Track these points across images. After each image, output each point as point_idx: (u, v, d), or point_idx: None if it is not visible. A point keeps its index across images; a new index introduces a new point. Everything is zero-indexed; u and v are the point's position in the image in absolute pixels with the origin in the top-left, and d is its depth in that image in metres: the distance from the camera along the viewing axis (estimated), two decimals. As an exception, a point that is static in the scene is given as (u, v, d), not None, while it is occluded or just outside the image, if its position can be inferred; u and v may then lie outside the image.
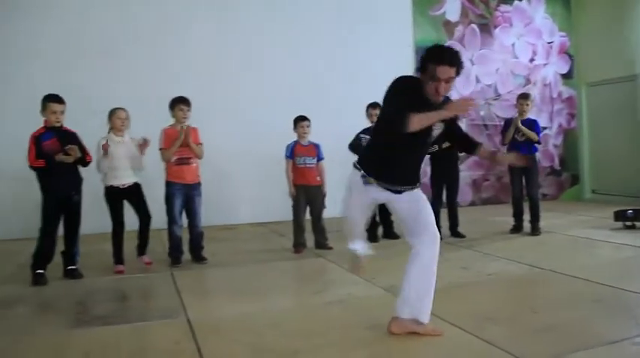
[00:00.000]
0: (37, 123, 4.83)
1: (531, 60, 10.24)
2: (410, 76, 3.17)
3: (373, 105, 6.38)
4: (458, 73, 3.05)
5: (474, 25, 9.74)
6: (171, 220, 5.36)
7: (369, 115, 6.44)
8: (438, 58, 2.96)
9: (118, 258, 5.23)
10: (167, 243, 5.44)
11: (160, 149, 5.34)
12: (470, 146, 3.48)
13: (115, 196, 5.20)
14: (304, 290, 4.50)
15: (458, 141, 3.56)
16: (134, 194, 5.26)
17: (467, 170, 9.66)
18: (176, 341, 3.21)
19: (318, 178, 6.07)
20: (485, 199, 9.80)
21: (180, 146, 5.29)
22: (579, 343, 3.02)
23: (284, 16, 8.44)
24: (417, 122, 2.93)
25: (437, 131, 3.21)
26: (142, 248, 5.39)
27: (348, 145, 6.47)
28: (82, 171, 5.03)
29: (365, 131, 6.41)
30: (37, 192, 4.82)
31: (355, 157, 6.17)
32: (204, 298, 4.31)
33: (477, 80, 9.70)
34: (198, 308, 3.87)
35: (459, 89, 9.48)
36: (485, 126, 9.74)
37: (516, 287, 4.37)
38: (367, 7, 8.95)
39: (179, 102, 5.36)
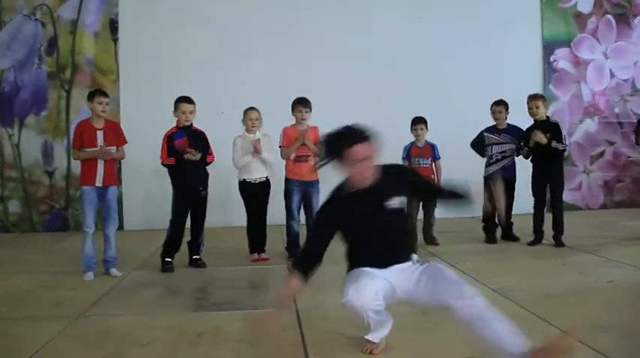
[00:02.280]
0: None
1: (676, 51, 9.36)
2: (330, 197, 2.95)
3: (497, 103, 6.26)
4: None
5: (609, 16, 9.08)
6: (290, 215, 5.59)
7: (492, 112, 6.32)
8: (349, 141, 2.69)
9: (254, 246, 5.59)
10: (285, 238, 5.67)
11: (280, 147, 5.60)
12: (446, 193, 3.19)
13: (248, 190, 5.54)
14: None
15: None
16: (264, 189, 5.58)
17: (598, 170, 9.06)
18: (283, 329, 3.37)
19: (433, 176, 6.10)
20: (618, 202, 9.10)
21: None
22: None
23: (411, 17, 8.40)
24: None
25: (393, 205, 2.89)
26: (261, 245, 5.63)
27: (470, 143, 6.41)
28: (223, 168, 5.54)
29: (489, 129, 6.31)
30: (168, 187, 5.28)
31: (477, 156, 6.23)
32: (315, 291, 4.39)
33: (612, 74, 9.02)
34: (308, 300, 3.99)
35: (591, 85, 8.94)
36: (620, 123, 9.06)
37: (636, 296, 4.06)
38: (492, 4, 8.66)
39: (298, 104, 5.59)
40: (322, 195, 5.60)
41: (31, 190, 8.02)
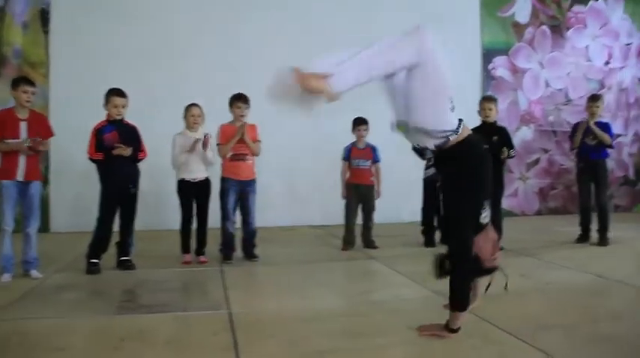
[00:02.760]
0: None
1: (606, 63, 9.66)
2: None
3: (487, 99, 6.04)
4: None
5: (544, 27, 9.31)
6: (225, 216, 5.34)
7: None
8: None
9: (186, 247, 5.31)
10: (220, 239, 5.43)
11: (218, 144, 5.36)
12: None
13: (186, 190, 5.28)
14: (350, 290, 4.36)
15: None
16: (203, 189, 5.32)
17: (533, 178, 9.23)
18: (214, 332, 3.15)
19: (372, 178, 6.03)
20: (552, 209, 9.31)
21: (238, 142, 5.27)
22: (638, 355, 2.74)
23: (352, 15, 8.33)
24: None
25: None
26: (200, 248, 5.36)
27: (411, 146, 6.33)
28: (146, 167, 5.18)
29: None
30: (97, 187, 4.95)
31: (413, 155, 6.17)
32: (249, 293, 4.26)
33: (547, 84, 9.24)
34: (241, 303, 3.81)
35: (527, 93, 9.12)
36: (554, 132, 9.27)
37: (577, 297, 4.05)
38: (433, 7, 8.67)
39: (236, 100, 5.36)
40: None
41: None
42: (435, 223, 6.22)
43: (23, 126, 4.57)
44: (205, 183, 5.35)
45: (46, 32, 7.64)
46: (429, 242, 6.17)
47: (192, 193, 5.30)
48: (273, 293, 4.25)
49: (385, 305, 3.79)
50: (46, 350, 2.89)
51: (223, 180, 5.36)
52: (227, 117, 5.41)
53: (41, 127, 4.72)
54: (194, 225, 5.37)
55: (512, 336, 3.02)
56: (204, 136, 5.24)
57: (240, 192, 5.35)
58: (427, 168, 6.24)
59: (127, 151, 4.84)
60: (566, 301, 3.91)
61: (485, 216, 2.90)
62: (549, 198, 9.34)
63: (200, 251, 5.35)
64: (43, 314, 3.58)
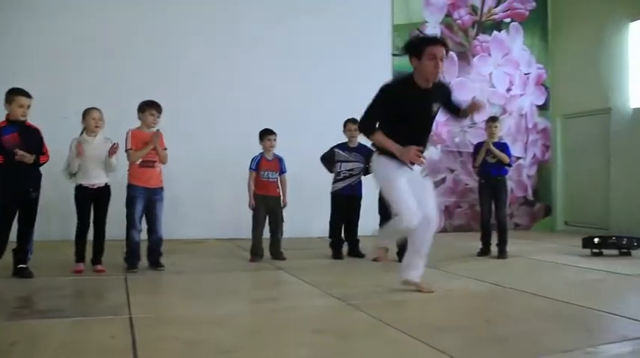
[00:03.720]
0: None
1: (508, 90, 10.30)
2: (395, 81, 4.14)
3: (352, 121, 6.27)
4: (447, 53, 3.91)
5: (452, 53, 9.79)
6: (131, 224, 5.22)
7: (346, 131, 6.39)
8: (432, 40, 3.95)
9: (80, 256, 5.08)
10: (125, 248, 5.28)
11: (127, 150, 5.23)
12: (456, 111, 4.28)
13: (83, 196, 5.09)
14: (257, 297, 4.36)
15: (450, 111, 4.30)
16: (102, 195, 5.14)
17: (439, 196, 9.60)
18: (112, 335, 3.06)
19: (278, 190, 6.11)
20: (456, 226, 9.72)
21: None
22: (531, 353, 2.92)
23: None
24: (375, 140, 4.04)
25: (435, 108, 4.06)
26: (97, 256, 5.17)
27: (320, 157, 6.44)
28: (52, 175, 5.03)
29: (340, 146, 6.39)
30: None
31: (324, 170, 6.29)
32: (152, 299, 4.16)
33: (454, 107, 9.71)
34: (144, 307, 3.72)
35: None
36: (460, 152, 9.73)
37: (474, 302, 4.27)
38: (345, 33, 8.93)
39: (151, 107, 5.29)
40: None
41: None
42: (343, 236, 6.35)
43: None
44: (105, 190, 5.18)
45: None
46: (337, 255, 6.27)
47: (91, 200, 5.12)
48: (178, 299, 4.18)
49: (290, 310, 3.82)
50: None
51: (130, 187, 5.24)
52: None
53: None
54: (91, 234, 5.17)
55: (410, 337, 3.12)
56: (113, 144, 5.09)
57: (147, 199, 5.25)
58: (335, 181, 6.37)
59: (29, 159, 4.64)
60: (463, 306, 4.10)
61: None
62: (454, 215, 9.75)
63: (97, 259, 5.15)
64: None
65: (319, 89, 8.58)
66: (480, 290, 4.60)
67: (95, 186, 5.10)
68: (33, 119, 4.87)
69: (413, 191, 3.96)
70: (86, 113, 5.13)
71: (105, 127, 5.24)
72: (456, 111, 4.31)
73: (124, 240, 5.26)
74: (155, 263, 5.28)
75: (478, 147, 6.74)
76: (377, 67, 8.85)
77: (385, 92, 3.95)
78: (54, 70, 7.28)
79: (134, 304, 3.78)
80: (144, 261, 5.29)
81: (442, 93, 4.15)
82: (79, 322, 3.35)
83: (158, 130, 5.29)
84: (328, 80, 8.65)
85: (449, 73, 9.69)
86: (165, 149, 5.36)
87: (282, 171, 6.15)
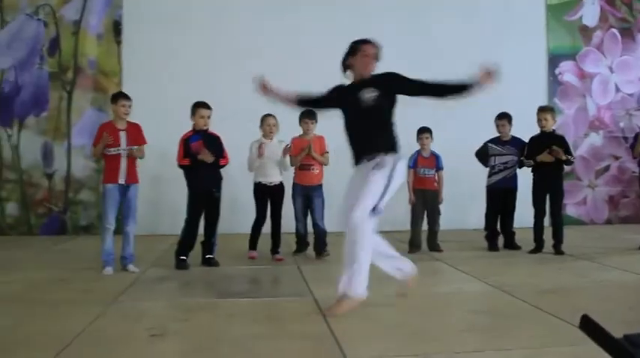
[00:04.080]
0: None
1: (681, 67, 10.35)
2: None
3: (500, 116, 7.18)
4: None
5: (614, 30, 10.06)
6: (296, 218, 6.65)
7: (496, 126, 7.25)
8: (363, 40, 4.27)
9: (254, 244, 6.51)
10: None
11: (290, 156, 6.59)
12: (444, 89, 4.34)
13: (261, 193, 6.50)
14: (418, 283, 5.31)
15: (422, 93, 4.32)
16: (278, 193, 6.54)
17: (603, 185, 9.97)
18: (306, 312, 4.19)
19: (436, 184, 7.08)
20: (623, 218, 10.01)
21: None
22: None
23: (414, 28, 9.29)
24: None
25: (368, 96, 4.16)
26: (275, 248, 6.53)
27: (475, 152, 7.35)
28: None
29: (492, 140, 7.25)
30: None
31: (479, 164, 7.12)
32: (327, 284, 5.24)
33: (617, 89, 9.99)
34: (323, 291, 4.81)
35: (596, 98, 9.87)
36: (625, 138, 9.97)
37: (623, 292, 4.91)
38: (497, 13, 9.55)
39: (304, 116, 6.55)
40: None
41: (30, 192, 8.78)
42: (499, 228, 7.17)
43: (122, 136, 5.76)
44: (279, 187, 6.52)
45: (118, 42, 8.93)
46: (492, 246, 7.11)
47: (267, 195, 6.48)
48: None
49: (449, 294, 4.79)
50: (172, 320, 4.00)
51: (294, 185, 6.65)
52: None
53: (138, 136, 5.89)
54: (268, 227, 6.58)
55: (558, 318, 3.93)
56: (285, 146, 6.44)
57: (306, 196, 6.60)
58: (490, 175, 7.19)
59: (209, 158, 5.96)
60: (612, 295, 4.78)
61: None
62: (620, 206, 10.06)
63: (275, 250, 6.51)
64: (152, 297, 4.73)
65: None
66: (633, 281, 5.27)
67: (272, 184, 6.52)
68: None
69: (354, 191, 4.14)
70: (263, 119, 6.52)
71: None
72: (442, 88, 4.33)
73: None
74: (319, 252, 6.59)
75: (637, 136, 7.20)
76: (528, 52, 9.45)
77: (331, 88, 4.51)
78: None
79: (313, 289, 4.92)
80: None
81: (381, 82, 4.24)
82: (273, 302, 4.55)
83: (313, 137, 6.63)
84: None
85: (611, 52, 9.99)
86: (327, 152, 6.67)
87: (438, 167, 7.11)
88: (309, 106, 5.10)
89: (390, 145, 4.18)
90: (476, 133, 7.54)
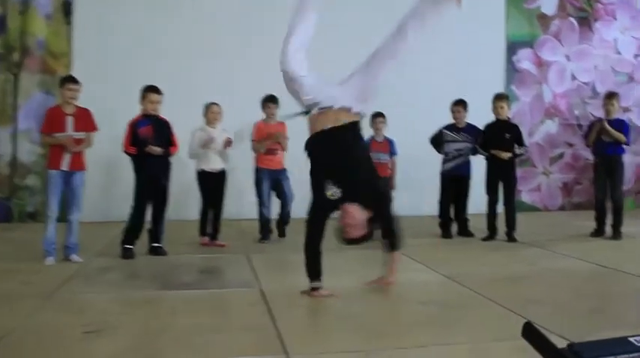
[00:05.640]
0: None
1: (636, 56, 10.42)
2: None
3: (456, 103, 7.12)
4: None
5: (572, 19, 10.09)
6: (260, 202, 6.62)
7: (452, 112, 7.16)
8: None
9: (204, 230, 6.45)
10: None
11: (252, 141, 6.58)
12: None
13: (205, 179, 6.40)
14: (370, 274, 5.19)
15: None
16: (220, 180, 6.44)
17: (557, 172, 10.03)
18: (251, 303, 4.07)
19: (389, 171, 7.02)
20: (576, 204, 10.10)
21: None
22: (619, 324, 3.59)
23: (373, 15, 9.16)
24: None
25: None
26: (215, 233, 6.47)
27: (429, 139, 7.26)
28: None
29: (448, 127, 7.17)
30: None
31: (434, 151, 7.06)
32: (276, 275, 5.18)
33: (573, 77, 10.03)
34: (271, 282, 4.71)
35: (552, 86, 9.91)
36: (579, 126, 10.03)
37: (573, 281, 4.91)
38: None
39: (268, 101, 6.55)
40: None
41: (-29, 178, 8.38)
42: (452, 216, 7.13)
43: (69, 121, 5.52)
44: (222, 174, 6.45)
45: (68, 23, 8.58)
46: (446, 234, 7.07)
47: (211, 182, 6.39)
48: (298, 274, 5.07)
49: (399, 286, 4.65)
50: (112, 314, 3.84)
51: (258, 169, 6.60)
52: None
53: (87, 122, 5.66)
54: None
55: (505, 308, 3.90)
56: (226, 138, 6.34)
57: (273, 180, 6.60)
58: (444, 162, 7.13)
59: (157, 151, 5.76)
60: (562, 284, 4.79)
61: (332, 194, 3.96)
62: (573, 193, 10.15)
63: (215, 235, 6.46)
64: (93, 289, 4.55)
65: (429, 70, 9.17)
66: (583, 270, 5.29)
67: (215, 171, 6.40)
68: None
69: None
70: (207, 107, 6.42)
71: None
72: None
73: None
74: (281, 233, 6.74)
75: (591, 126, 7.23)
76: (487, 40, 9.43)
77: None
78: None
79: (261, 279, 4.81)
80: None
81: None
82: (219, 293, 4.44)
83: (279, 134, 6.56)
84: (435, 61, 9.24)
85: (568, 40, 10.02)
86: (287, 138, 6.59)
87: (392, 152, 7.02)
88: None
89: None
90: (431, 119, 7.44)
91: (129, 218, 5.84)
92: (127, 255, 5.72)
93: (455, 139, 7.11)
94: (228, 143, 6.35)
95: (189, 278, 4.97)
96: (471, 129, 7.08)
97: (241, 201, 7.76)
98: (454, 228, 7.18)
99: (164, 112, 6.03)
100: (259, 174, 6.60)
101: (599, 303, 4.12)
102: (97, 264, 5.49)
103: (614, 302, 4.21)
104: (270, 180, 6.60)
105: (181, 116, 6.38)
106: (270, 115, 6.58)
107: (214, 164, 6.40)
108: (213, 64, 8.46)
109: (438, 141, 7.23)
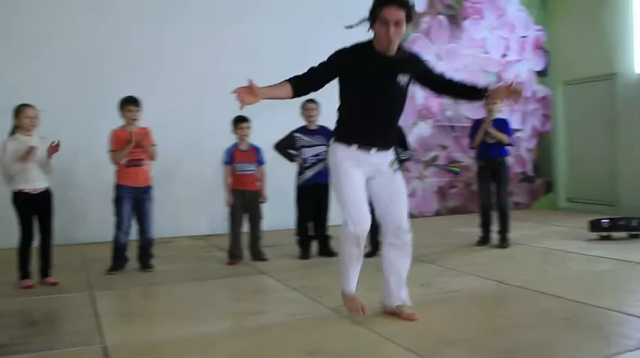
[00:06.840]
0: None
1: (504, 55, 10.36)
2: (352, 45, 3.69)
3: (310, 101, 6.13)
4: (409, 19, 3.48)
5: (441, 17, 9.81)
6: (118, 225, 5.53)
7: (304, 110, 6.26)
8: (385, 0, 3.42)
9: (25, 271, 5.08)
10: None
11: (110, 151, 5.52)
12: (462, 91, 3.99)
13: (24, 202, 5.04)
14: (240, 311, 4.34)
15: (439, 88, 3.99)
16: (44, 202, 5.13)
17: (432, 177, 9.70)
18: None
19: (258, 184, 6.14)
20: (451, 208, 9.84)
21: (134, 146, 5.49)
22: None
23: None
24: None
25: (403, 80, 3.63)
26: (45, 269, 5.19)
27: (275, 145, 6.31)
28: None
29: (299, 130, 6.28)
30: None
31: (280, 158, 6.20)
32: (125, 321, 4.14)
33: (444, 77, 9.73)
34: (117, 333, 3.71)
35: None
36: (452, 127, 9.80)
37: (480, 306, 4.33)
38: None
39: (128, 103, 5.53)
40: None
41: None
42: (312, 232, 6.33)
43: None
44: (46, 194, 5.17)
45: None
46: (304, 254, 6.25)
47: (32, 205, 5.08)
48: (152, 320, 4.15)
49: (278, 327, 3.84)
50: None
51: (118, 187, 5.54)
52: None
53: None
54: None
55: (417, 355, 3.17)
56: (53, 143, 5.04)
57: (135, 199, 5.57)
58: (301, 172, 6.27)
59: None
60: (468, 312, 4.15)
61: None
62: (448, 196, 9.86)
63: (46, 271, 5.19)
64: None
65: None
66: (486, 291, 4.69)
67: (37, 191, 5.09)
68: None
69: (378, 194, 3.79)
70: (19, 111, 5.05)
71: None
72: (461, 89, 3.98)
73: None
74: (146, 265, 5.65)
75: (476, 125, 6.77)
76: (354, 38, 8.78)
77: (341, 55, 3.68)
78: None
79: (106, 330, 3.78)
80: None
81: (412, 65, 3.75)
82: (45, 356, 3.34)
83: (138, 128, 5.55)
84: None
85: (438, 39, 9.71)
86: (154, 145, 5.63)
87: (260, 161, 6.13)
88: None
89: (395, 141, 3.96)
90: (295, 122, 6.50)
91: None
92: None
93: (310, 143, 6.19)
94: (55, 149, 5.02)
95: (7, 336, 3.75)
96: (324, 131, 6.12)
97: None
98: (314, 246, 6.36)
99: None
100: (119, 192, 5.55)
101: (515, 338, 3.50)
102: None
103: (532, 333, 3.61)
104: (132, 201, 5.57)
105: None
106: (131, 120, 5.54)
107: (35, 182, 5.07)
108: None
109: (287, 146, 6.28)
